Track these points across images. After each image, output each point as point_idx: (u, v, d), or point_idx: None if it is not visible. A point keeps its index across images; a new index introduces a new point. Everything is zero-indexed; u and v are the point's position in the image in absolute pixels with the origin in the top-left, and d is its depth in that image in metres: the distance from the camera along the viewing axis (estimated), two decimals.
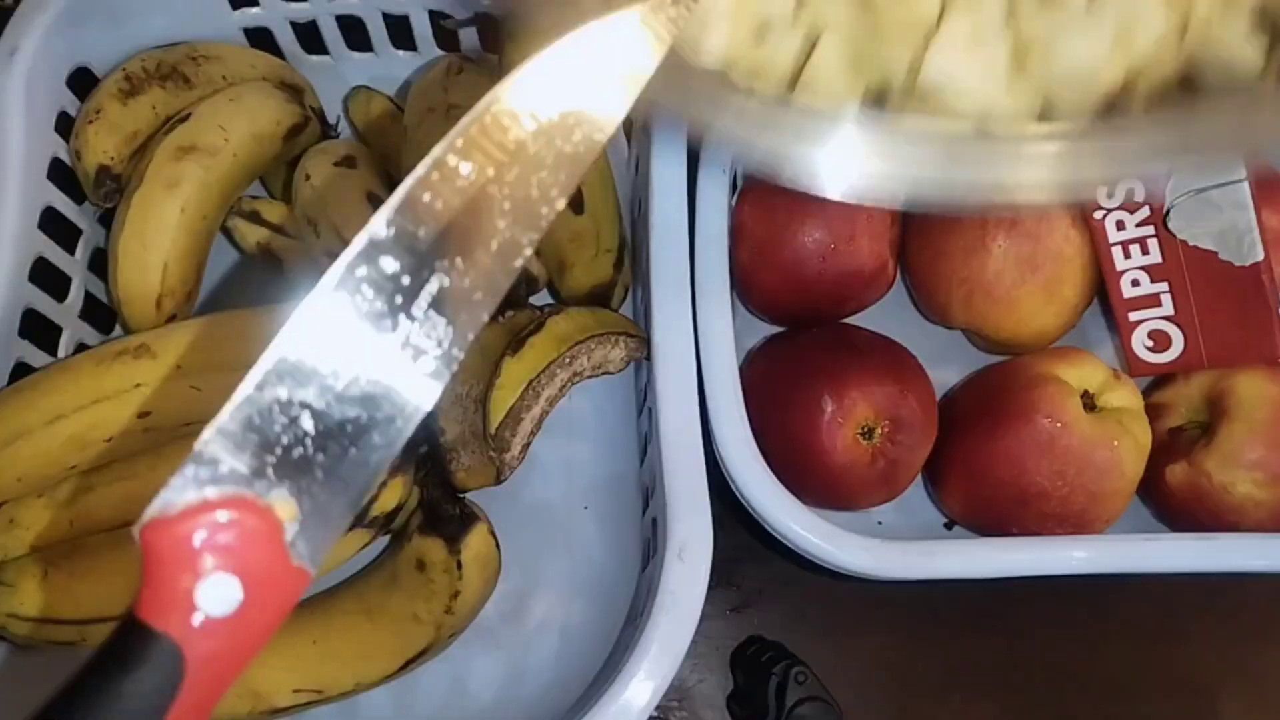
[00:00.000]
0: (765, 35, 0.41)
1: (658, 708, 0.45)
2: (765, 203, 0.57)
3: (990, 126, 0.39)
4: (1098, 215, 0.56)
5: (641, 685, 0.44)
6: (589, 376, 0.53)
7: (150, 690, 0.19)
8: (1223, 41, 0.39)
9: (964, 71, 0.39)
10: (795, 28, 0.41)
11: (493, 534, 0.52)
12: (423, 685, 0.54)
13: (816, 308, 0.59)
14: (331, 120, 0.67)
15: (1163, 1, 0.39)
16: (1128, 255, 0.56)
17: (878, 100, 0.41)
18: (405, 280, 0.27)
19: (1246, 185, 0.52)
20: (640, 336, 0.53)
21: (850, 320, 0.60)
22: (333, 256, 0.54)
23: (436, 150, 0.27)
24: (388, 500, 0.51)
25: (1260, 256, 0.52)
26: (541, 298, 0.60)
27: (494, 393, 0.50)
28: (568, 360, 0.51)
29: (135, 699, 0.19)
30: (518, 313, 0.54)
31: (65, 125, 0.59)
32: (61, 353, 0.58)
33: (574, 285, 0.58)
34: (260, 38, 0.66)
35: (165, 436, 0.51)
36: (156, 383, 0.50)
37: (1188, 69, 0.40)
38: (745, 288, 0.60)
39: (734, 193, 0.60)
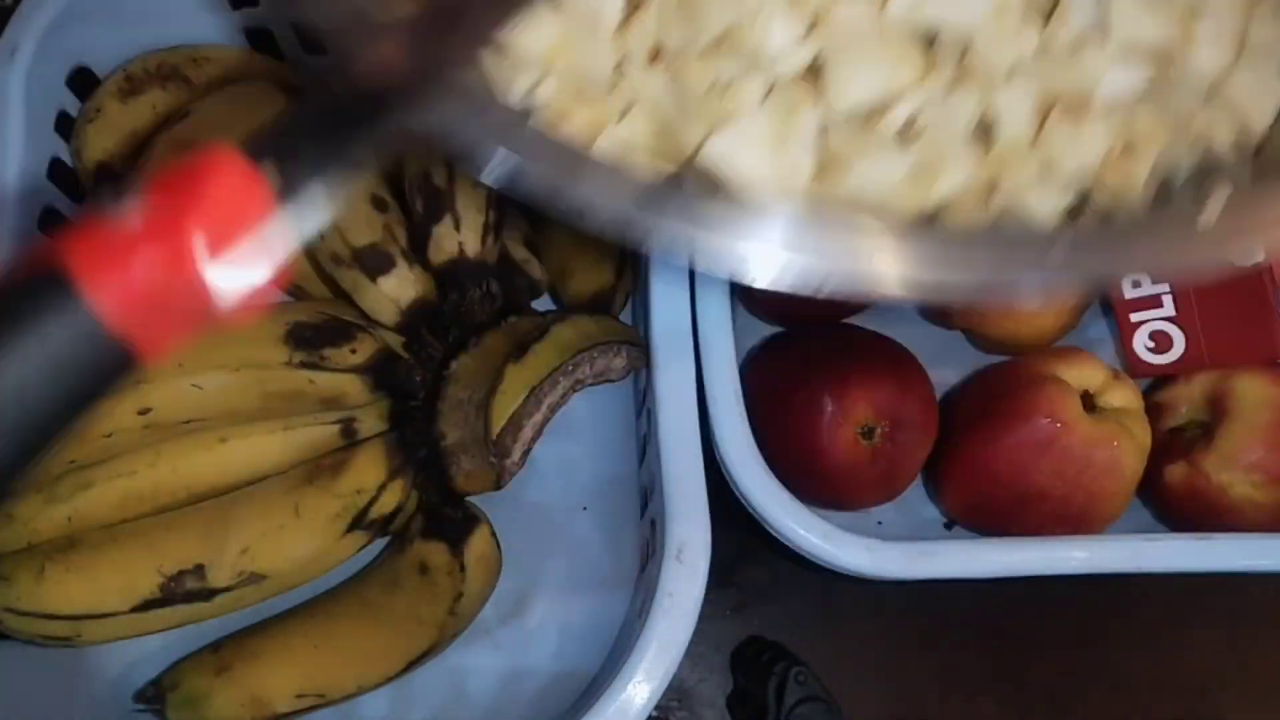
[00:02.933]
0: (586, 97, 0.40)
1: (657, 707, 0.45)
2: None
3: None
4: None
5: (640, 686, 0.44)
6: (590, 384, 0.53)
7: None
8: (1029, 206, 0.39)
9: (751, 166, 0.38)
10: (613, 96, 0.40)
11: (494, 535, 0.52)
12: (421, 686, 0.54)
13: (816, 308, 0.58)
14: None
15: (972, 159, 0.39)
16: None
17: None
18: None
19: None
20: (641, 346, 0.53)
21: (850, 320, 0.60)
22: (336, 260, 0.54)
23: None
24: (387, 502, 0.51)
25: (1261, 257, 0.52)
26: (544, 303, 0.60)
27: (496, 398, 0.50)
28: (570, 368, 0.51)
29: None
30: (520, 318, 0.54)
31: (65, 125, 0.59)
32: None
33: (576, 291, 0.58)
34: (261, 38, 0.66)
35: (165, 433, 0.51)
36: (157, 379, 0.50)
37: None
38: (744, 288, 0.59)
39: None
